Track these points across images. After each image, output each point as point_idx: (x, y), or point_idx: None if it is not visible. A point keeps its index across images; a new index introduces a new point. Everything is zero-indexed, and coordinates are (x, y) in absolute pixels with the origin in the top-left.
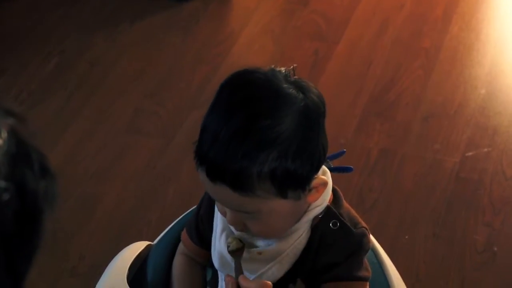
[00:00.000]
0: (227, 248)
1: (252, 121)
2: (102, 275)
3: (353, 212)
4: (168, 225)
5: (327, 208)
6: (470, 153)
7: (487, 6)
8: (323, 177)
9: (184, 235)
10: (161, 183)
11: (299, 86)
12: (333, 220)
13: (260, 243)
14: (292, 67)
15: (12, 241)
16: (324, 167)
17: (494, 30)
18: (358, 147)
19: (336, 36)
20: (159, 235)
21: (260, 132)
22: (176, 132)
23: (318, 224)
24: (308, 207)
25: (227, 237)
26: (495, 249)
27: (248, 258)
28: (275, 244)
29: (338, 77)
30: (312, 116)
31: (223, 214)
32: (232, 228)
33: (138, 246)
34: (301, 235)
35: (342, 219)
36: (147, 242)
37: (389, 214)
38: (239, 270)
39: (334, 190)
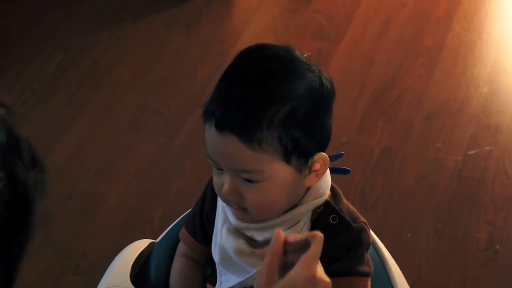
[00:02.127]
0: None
1: (268, 75)
2: (105, 273)
3: (352, 207)
4: (171, 223)
5: (326, 203)
6: (472, 152)
7: (490, 4)
8: (325, 155)
9: (184, 234)
10: (164, 181)
11: (314, 68)
12: (333, 215)
13: (260, 236)
14: (306, 55)
15: (4, 231)
16: None
17: (496, 29)
18: (360, 146)
19: (339, 35)
20: (161, 233)
21: (274, 85)
22: (179, 130)
23: (318, 219)
24: (306, 194)
25: (228, 231)
26: (497, 247)
27: (249, 253)
28: None
29: (340, 76)
30: (324, 95)
31: (220, 188)
32: (230, 218)
33: (141, 244)
34: (302, 228)
35: (342, 213)
36: (150, 240)
37: (391, 212)
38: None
39: (332, 187)
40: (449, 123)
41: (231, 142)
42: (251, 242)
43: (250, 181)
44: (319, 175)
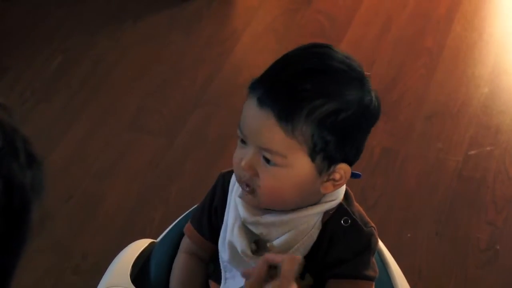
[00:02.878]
0: (251, 250)
1: (324, 71)
2: (105, 273)
3: (362, 211)
4: (171, 223)
5: (339, 205)
6: (473, 152)
7: (490, 5)
8: (349, 168)
9: (190, 229)
10: (164, 181)
11: (369, 84)
12: (345, 217)
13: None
14: (367, 73)
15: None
16: None
17: (497, 29)
18: None
19: (339, 35)
20: (162, 233)
21: (327, 81)
22: (179, 130)
23: (330, 220)
24: (321, 199)
25: (239, 228)
26: (498, 247)
27: (251, 256)
28: (287, 235)
29: None
30: (370, 111)
31: (239, 162)
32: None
33: (141, 244)
34: (312, 229)
35: (354, 216)
36: (150, 240)
37: (391, 213)
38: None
39: (345, 190)
40: (450, 123)
41: (267, 118)
42: (257, 243)
43: (270, 162)
44: (336, 186)
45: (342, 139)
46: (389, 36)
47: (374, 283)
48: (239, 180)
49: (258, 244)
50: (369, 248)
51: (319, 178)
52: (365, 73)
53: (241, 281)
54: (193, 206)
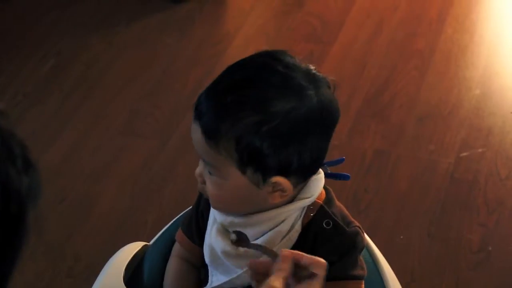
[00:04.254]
0: (232, 241)
1: (254, 82)
2: (99, 275)
3: (345, 210)
4: (164, 226)
5: (320, 207)
6: (464, 154)
7: (481, 7)
8: (288, 184)
9: (180, 235)
10: (157, 184)
11: (310, 93)
12: (326, 220)
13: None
14: (331, 78)
15: None
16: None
17: (488, 32)
18: (353, 148)
19: (331, 38)
20: (155, 235)
21: (253, 92)
22: (172, 133)
23: (311, 223)
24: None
25: (217, 231)
26: (490, 248)
27: (234, 254)
28: (265, 236)
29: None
30: (306, 122)
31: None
32: (215, 214)
33: (134, 247)
34: (291, 231)
35: (335, 218)
36: (143, 243)
37: (384, 215)
38: (269, 252)
39: (326, 189)
40: (442, 125)
41: (198, 132)
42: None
43: (210, 173)
44: (284, 196)
45: (270, 150)
46: (380, 38)
47: (363, 282)
48: (200, 189)
49: (238, 235)
50: (355, 247)
51: (261, 189)
52: (330, 78)
53: (223, 277)
54: (186, 208)
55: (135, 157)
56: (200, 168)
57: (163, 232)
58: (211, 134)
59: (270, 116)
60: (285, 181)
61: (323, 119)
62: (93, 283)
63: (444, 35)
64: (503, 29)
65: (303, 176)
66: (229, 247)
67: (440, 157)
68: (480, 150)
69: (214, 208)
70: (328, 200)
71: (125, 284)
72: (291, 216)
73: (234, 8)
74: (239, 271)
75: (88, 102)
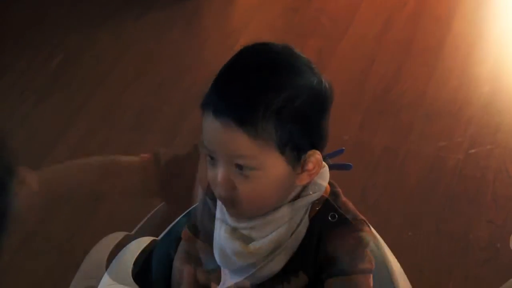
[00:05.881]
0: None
1: (266, 67)
2: (107, 270)
3: (351, 205)
4: (172, 221)
5: (326, 201)
6: (473, 151)
7: (490, 3)
8: (320, 157)
9: (186, 233)
10: (165, 179)
11: (314, 66)
12: (331, 213)
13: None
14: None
15: None
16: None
17: (496, 28)
18: (361, 144)
19: (340, 34)
20: (163, 231)
21: (272, 75)
22: (180, 128)
23: (317, 216)
24: (301, 192)
25: (226, 231)
26: (498, 245)
27: (246, 253)
28: (274, 233)
29: (341, 75)
30: (322, 93)
31: (214, 181)
32: (227, 218)
33: (143, 242)
34: (299, 226)
35: (341, 211)
36: (152, 238)
37: (392, 211)
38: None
39: (331, 185)
40: (450, 122)
41: (227, 126)
42: (248, 241)
43: (243, 169)
44: (312, 175)
45: (304, 125)
46: (389, 35)
47: (372, 276)
48: (219, 197)
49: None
50: (361, 242)
51: (294, 171)
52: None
53: (236, 277)
54: (194, 204)
55: (143, 152)
56: (224, 173)
57: (171, 227)
58: (248, 120)
59: (298, 90)
60: (317, 153)
61: (330, 92)
62: (101, 278)
63: (452, 32)
64: (511, 26)
65: (322, 151)
66: (239, 247)
67: (448, 154)
68: (488, 147)
69: (246, 212)
70: (333, 193)
71: (134, 279)
72: (300, 212)
73: (242, 4)
74: (251, 270)
75: (96, 98)
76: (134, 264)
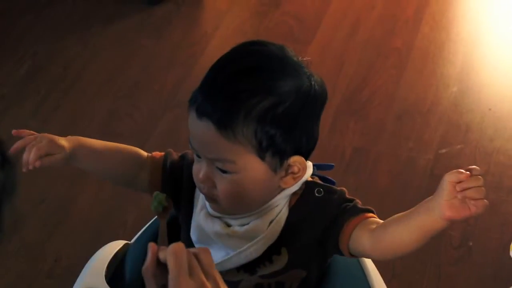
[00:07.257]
0: (151, 206)
1: (255, 68)
2: (81, 274)
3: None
4: (144, 226)
5: (305, 183)
6: (443, 150)
7: (458, 5)
8: (305, 160)
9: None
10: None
11: (305, 70)
12: (317, 188)
13: (235, 222)
14: (302, 58)
15: None
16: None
17: (464, 29)
18: (332, 146)
19: (308, 37)
20: (135, 235)
21: (259, 78)
22: (150, 133)
23: (301, 200)
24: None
25: (205, 215)
26: (471, 244)
27: (225, 234)
28: (253, 223)
29: None
30: (310, 98)
31: (197, 175)
32: (207, 205)
33: (116, 245)
34: (277, 215)
35: (324, 184)
36: (124, 241)
37: None
38: (162, 237)
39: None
40: (420, 122)
41: (207, 129)
42: (228, 225)
43: (223, 171)
44: (297, 178)
45: (287, 131)
46: (358, 37)
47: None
48: (201, 192)
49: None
50: (352, 199)
51: (276, 175)
52: (305, 58)
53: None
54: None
55: None
56: (205, 172)
57: (144, 231)
58: (227, 126)
59: (283, 96)
60: (301, 159)
61: (320, 94)
62: (73, 283)
63: (421, 33)
64: (479, 27)
65: (309, 155)
66: (219, 228)
67: (419, 154)
68: (459, 146)
69: (227, 210)
70: (312, 179)
71: (107, 282)
72: (279, 205)
73: (211, 9)
74: (231, 252)
75: (66, 104)
76: (108, 268)
